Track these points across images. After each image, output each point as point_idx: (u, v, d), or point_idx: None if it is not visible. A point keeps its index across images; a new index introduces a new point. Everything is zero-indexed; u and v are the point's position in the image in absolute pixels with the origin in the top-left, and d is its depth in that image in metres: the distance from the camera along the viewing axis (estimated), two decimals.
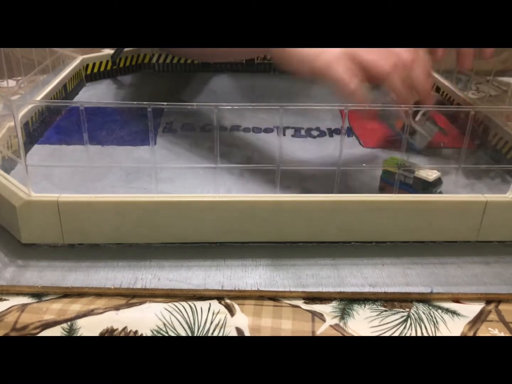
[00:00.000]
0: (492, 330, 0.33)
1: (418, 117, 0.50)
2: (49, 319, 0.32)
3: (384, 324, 0.33)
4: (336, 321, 0.33)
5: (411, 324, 0.33)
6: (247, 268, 0.37)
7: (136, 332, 0.32)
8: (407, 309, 0.34)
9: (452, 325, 0.33)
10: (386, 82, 0.43)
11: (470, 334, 0.32)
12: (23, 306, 0.33)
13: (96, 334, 0.32)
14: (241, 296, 0.35)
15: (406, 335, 0.32)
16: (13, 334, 0.31)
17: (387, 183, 0.45)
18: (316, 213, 0.38)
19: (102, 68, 0.76)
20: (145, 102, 0.49)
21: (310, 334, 0.32)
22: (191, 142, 0.55)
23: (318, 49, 0.43)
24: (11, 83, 0.55)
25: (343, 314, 0.34)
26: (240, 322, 0.32)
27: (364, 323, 0.33)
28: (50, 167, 0.47)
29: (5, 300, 0.34)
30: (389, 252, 0.40)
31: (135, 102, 0.50)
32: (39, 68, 0.58)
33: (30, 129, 0.54)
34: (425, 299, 0.35)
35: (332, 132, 0.58)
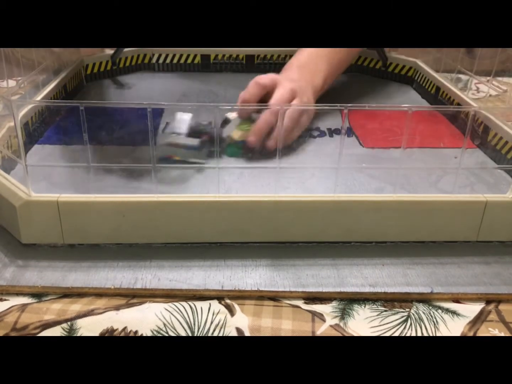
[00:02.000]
0: (492, 330, 0.33)
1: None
2: (49, 319, 0.32)
3: (384, 324, 0.33)
4: (336, 321, 0.33)
5: (411, 324, 0.33)
6: (247, 268, 0.37)
7: (136, 332, 0.32)
8: (407, 309, 0.34)
9: (452, 325, 0.33)
10: None
11: (470, 334, 0.32)
12: (23, 306, 0.33)
13: (96, 334, 0.32)
14: (241, 296, 0.35)
15: (406, 335, 0.32)
16: (13, 334, 0.31)
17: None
18: (316, 213, 0.38)
19: (102, 68, 0.76)
20: (145, 102, 0.49)
21: (310, 334, 0.32)
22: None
23: None
24: (11, 83, 0.55)
25: (343, 314, 0.34)
26: (240, 322, 0.32)
27: (364, 323, 0.33)
28: (50, 167, 0.47)
29: (5, 300, 0.34)
30: (389, 252, 0.39)
31: (135, 102, 0.50)
32: (39, 68, 0.58)
33: (30, 129, 0.54)
34: (425, 299, 0.35)
35: (332, 132, 0.58)
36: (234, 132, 0.51)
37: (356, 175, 0.49)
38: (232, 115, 0.52)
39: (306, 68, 0.61)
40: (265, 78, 0.55)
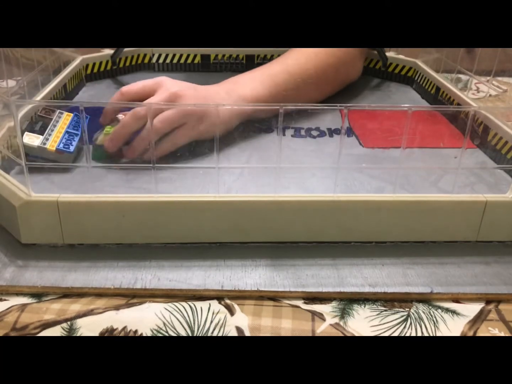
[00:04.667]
0: (492, 329, 0.33)
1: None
2: (49, 319, 0.32)
3: (384, 323, 0.33)
4: (336, 320, 0.33)
5: (411, 323, 0.33)
6: (247, 268, 0.37)
7: (136, 331, 0.32)
8: (407, 309, 0.34)
9: (452, 324, 0.33)
10: None
11: (470, 333, 0.32)
12: (23, 306, 0.33)
13: (96, 334, 0.32)
14: (241, 296, 0.35)
15: (406, 335, 0.32)
16: (13, 334, 0.31)
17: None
18: (316, 213, 0.38)
19: (102, 68, 0.76)
20: (145, 102, 0.49)
21: (310, 333, 0.32)
22: (191, 142, 0.55)
23: None
24: (11, 83, 0.55)
25: (343, 313, 0.34)
26: (240, 321, 0.32)
27: (364, 322, 0.33)
28: (50, 167, 0.47)
29: (5, 300, 0.34)
30: (389, 252, 0.39)
31: (135, 102, 0.50)
32: (39, 68, 0.58)
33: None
34: (425, 299, 0.35)
35: (332, 132, 0.58)
36: (100, 135, 0.49)
37: (356, 175, 0.49)
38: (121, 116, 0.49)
39: (237, 79, 0.57)
40: (133, 87, 0.51)
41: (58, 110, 0.50)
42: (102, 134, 0.49)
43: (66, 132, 0.49)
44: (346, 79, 0.69)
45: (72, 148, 0.48)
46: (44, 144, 0.47)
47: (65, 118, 0.50)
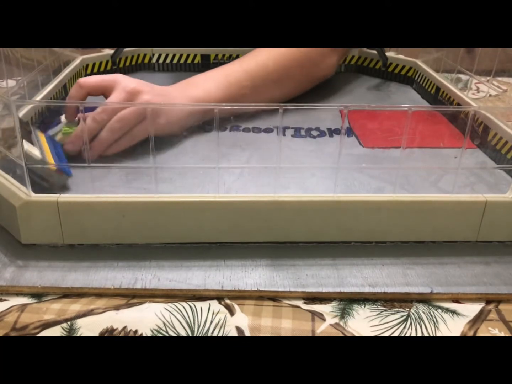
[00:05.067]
0: (492, 329, 0.33)
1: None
2: (49, 319, 0.32)
3: (384, 323, 0.33)
4: (336, 320, 0.33)
5: (411, 323, 0.33)
6: (247, 268, 0.37)
7: (136, 331, 0.32)
8: (407, 309, 0.34)
9: (452, 324, 0.33)
10: None
11: (470, 333, 0.32)
12: (23, 306, 0.33)
13: (96, 334, 0.32)
14: (241, 296, 0.35)
15: (406, 335, 0.32)
16: (13, 334, 0.31)
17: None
18: (316, 213, 0.38)
19: (102, 68, 0.76)
20: (145, 102, 0.49)
21: (310, 333, 0.32)
22: (191, 142, 0.55)
23: None
24: (11, 83, 0.55)
25: (343, 313, 0.34)
26: (240, 321, 0.33)
27: (364, 323, 0.33)
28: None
29: (5, 300, 0.34)
30: (389, 252, 0.39)
31: (135, 102, 0.50)
32: (39, 68, 0.58)
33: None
34: (425, 299, 0.35)
35: (332, 132, 0.58)
36: (59, 133, 0.49)
37: (356, 175, 0.49)
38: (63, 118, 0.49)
39: (193, 79, 0.58)
40: (91, 79, 0.50)
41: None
42: (60, 132, 0.49)
43: (55, 154, 0.47)
44: (314, 76, 0.65)
45: (70, 172, 0.46)
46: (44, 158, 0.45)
47: (41, 138, 0.47)
